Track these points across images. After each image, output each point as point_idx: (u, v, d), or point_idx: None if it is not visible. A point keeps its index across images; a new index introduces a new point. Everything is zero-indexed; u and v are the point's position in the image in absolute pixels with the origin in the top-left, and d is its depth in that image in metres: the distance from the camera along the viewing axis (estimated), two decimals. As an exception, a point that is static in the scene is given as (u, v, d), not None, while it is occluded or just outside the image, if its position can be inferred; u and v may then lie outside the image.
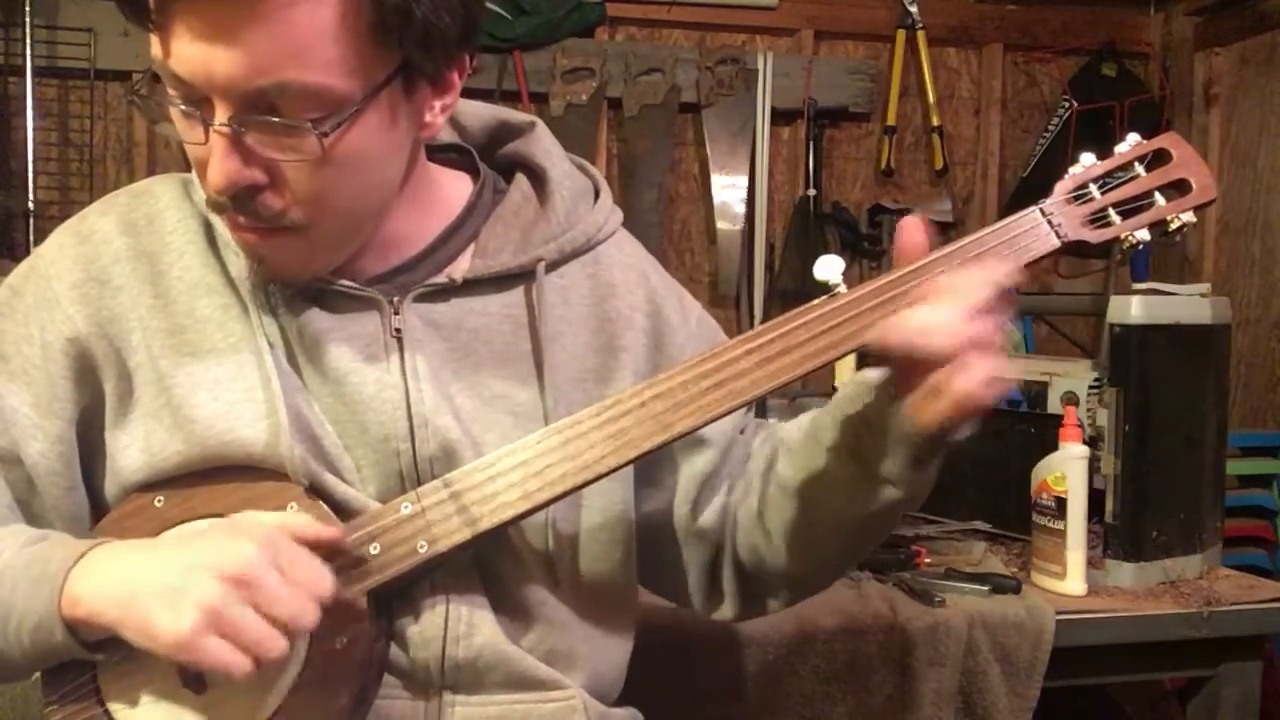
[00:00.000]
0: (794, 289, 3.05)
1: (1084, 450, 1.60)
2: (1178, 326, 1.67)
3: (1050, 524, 1.59)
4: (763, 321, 3.46)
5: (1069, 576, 1.57)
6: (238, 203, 0.80)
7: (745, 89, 3.09)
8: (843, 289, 0.85)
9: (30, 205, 2.66)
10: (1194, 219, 0.86)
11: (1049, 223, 0.85)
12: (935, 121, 3.24)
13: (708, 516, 1.01)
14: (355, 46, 0.77)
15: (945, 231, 3.26)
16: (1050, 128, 3.27)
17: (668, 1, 3.10)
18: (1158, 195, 0.86)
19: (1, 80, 2.73)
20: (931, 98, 3.23)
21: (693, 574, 1.04)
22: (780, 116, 3.16)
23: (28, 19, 2.63)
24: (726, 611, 1.05)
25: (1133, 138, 0.88)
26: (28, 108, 2.65)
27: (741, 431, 1.05)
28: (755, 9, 3.15)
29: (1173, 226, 0.86)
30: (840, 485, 0.91)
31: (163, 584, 0.76)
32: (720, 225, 3.12)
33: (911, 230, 0.84)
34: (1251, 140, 3.10)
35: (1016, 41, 3.33)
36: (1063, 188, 0.87)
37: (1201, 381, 1.72)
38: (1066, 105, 3.25)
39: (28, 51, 2.64)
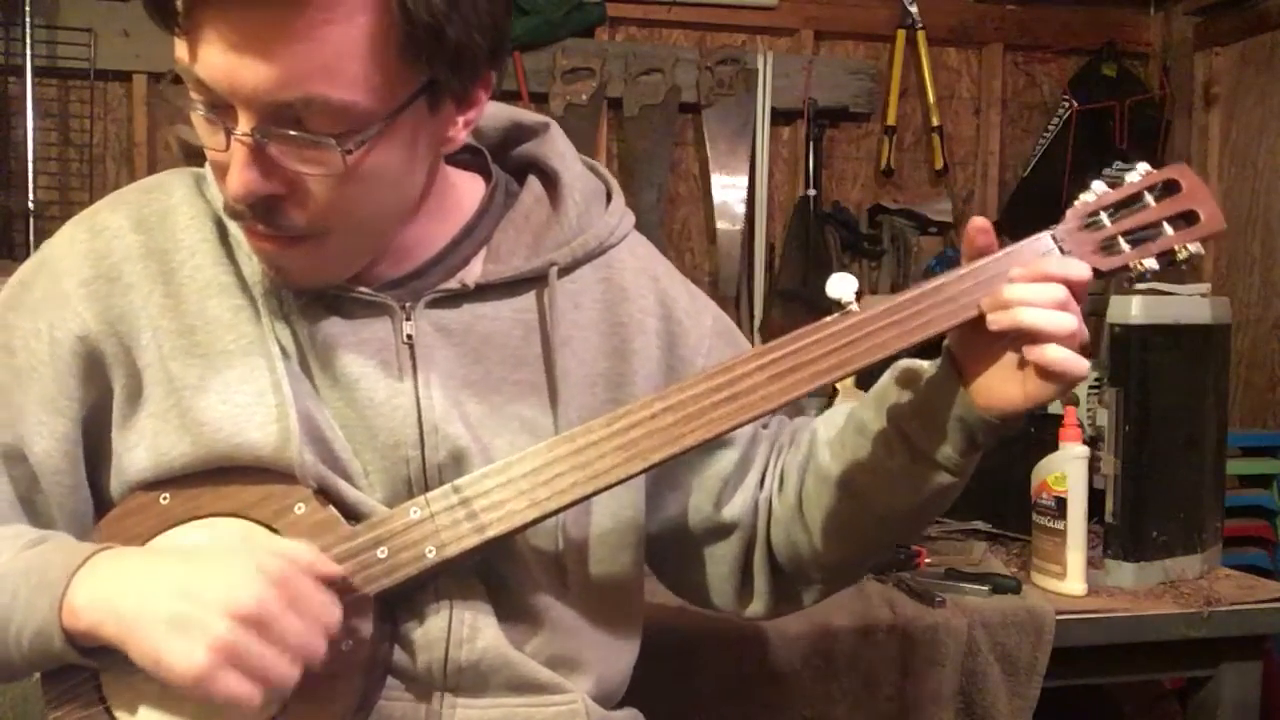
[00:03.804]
0: (794, 289, 3.05)
1: (1084, 450, 1.60)
2: (1178, 326, 1.67)
3: (1050, 524, 1.59)
4: (763, 321, 3.42)
5: (1069, 576, 1.57)
6: (256, 211, 0.80)
7: (745, 89, 3.09)
8: (855, 307, 0.85)
9: (30, 205, 2.66)
10: (1201, 250, 0.87)
11: (1060, 248, 0.86)
12: (935, 121, 3.24)
13: (732, 509, 1.01)
14: (383, 65, 0.76)
15: (945, 231, 3.26)
16: (1050, 128, 3.27)
17: (668, 1, 3.10)
18: (1166, 225, 0.87)
19: (1, 80, 2.73)
20: (931, 98, 3.23)
21: (721, 569, 1.03)
22: (780, 116, 3.16)
23: (28, 19, 2.63)
24: (758, 608, 1.04)
25: (1142, 167, 0.88)
26: (28, 108, 2.65)
27: (764, 426, 1.05)
28: (755, 9, 3.15)
29: (1180, 256, 0.87)
30: (890, 473, 0.92)
31: (170, 611, 0.76)
32: (720, 225, 3.12)
33: (981, 232, 0.86)
34: (1251, 140, 3.10)
35: (1016, 41, 3.33)
36: (1074, 214, 0.87)
37: (1201, 381, 1.72)
38: (1066, 105, 3.25)
39: (28, 51, 2.64)
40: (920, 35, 3.20)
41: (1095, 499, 1.63)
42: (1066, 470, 1.57)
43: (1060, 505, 1.57)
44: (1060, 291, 0.82)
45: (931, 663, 1.46)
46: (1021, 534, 1.74)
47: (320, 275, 0.86)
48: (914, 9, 3.18)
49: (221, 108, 0.77)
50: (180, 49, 0.77)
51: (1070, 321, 0.81)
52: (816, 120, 3.13)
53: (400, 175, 0.83)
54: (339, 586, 0.81)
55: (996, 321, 0.83)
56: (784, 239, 3.14)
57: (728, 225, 3.12)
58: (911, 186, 3.31)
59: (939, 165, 3.25)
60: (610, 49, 3.03)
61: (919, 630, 1.45)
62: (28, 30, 2.63)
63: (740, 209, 3.12)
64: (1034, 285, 0.82)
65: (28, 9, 2.63)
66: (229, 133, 0.77)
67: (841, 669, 1.44)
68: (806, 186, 3.13)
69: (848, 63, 3.20)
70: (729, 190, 3.12)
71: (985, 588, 1.55)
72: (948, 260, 3.19)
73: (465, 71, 0.81)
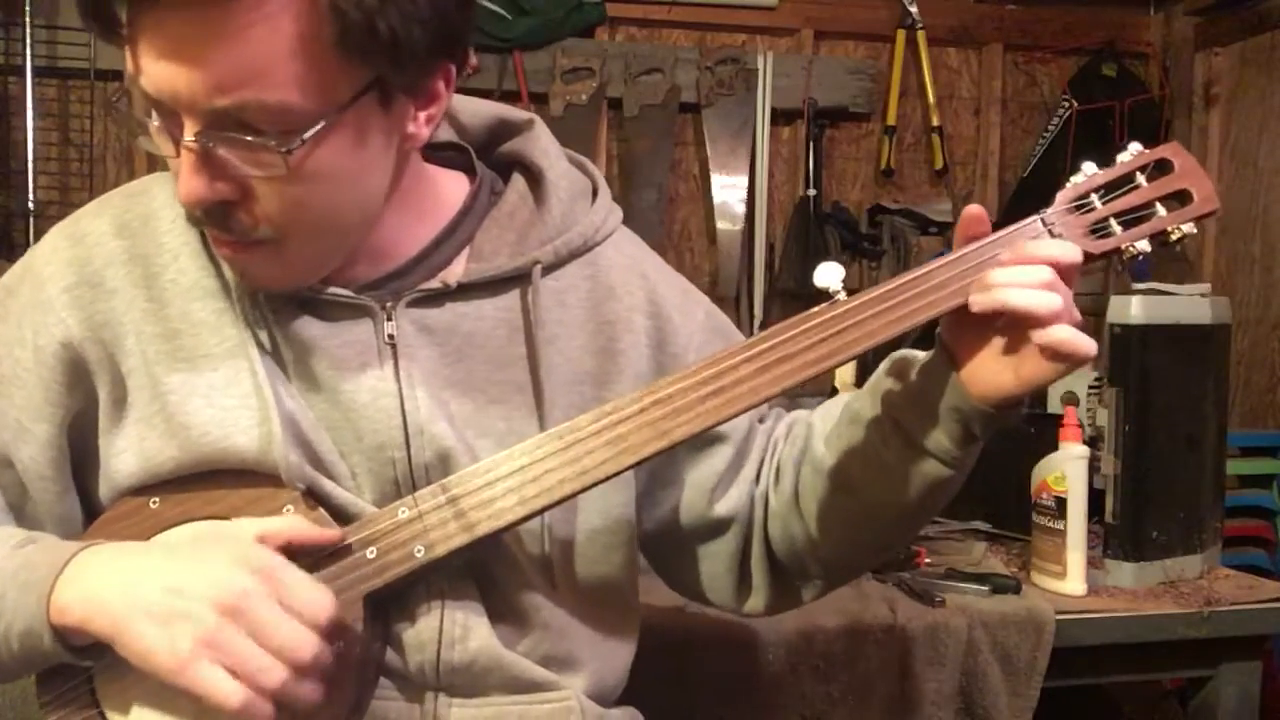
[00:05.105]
0: (794, 289, 3.05)
1: (1084, 450, 1.60)
2: (1178, 326, 1.67)
3: (1050, 524, 1.59)
4: (763, 321, 3.42)
5: (1069, 576, 1.57)
6: (210, 217, 0.80)
7: (745, 89, 3.08)
8: (843, 296, 0.85)
9: (30, 205, 2.66)
10: (1194, 230, 0.86)
11: (1050, 232, 0.85)
12: (935, 121, 3.24)
13: (726, 504, 1.00)
14: (318, 64, 0.75)
15: (945, 231, 3.26)
16: (1050, 128, 3.27)
17: (668, 1, 3.10)
18: (1158, 206, 0.85)
19: (1, 80, 2.73)
20: (931, 98, 3.22)
21: (718, 566, 1.03)
22: (780, 116, 3.16)
23: (28, 19, 2.63)
24: (758, 603, 1.03)
25: (1134, 147, 0.87)
26: (28, 108, 2.64)
27: (761, 421, 1.04)
28: (755, 9, 3.15)
29: (1173, 237, 0.85)
30: (885, 464, 0.91)
31: (156, 605, 0.76)
32: (720, 225, 3.12)
33: (976, 222, 0.85)
34: (1251, 140, 3.10)
35: (1016, 41, 3.33)
36: (1064, 197, 0.86)
37: (1201, 381, 1.72)
38: (1066, 105, 3.25)
39: (28, 51, 2.64)
40: (920, 35, 3.19)
41: (1095, 499, 1.63)
42: (1066, 470, 1.57)
43: (1060, 505, 1.57)
44: (1046, 273, 0.81)
45: (931, 663, 1.46)
46: (1021, 534, 1.74)
47: (284, 279, 0.86)
48: (914, 9, 3.18)
49: (169, 115, 0.77)
50: (128, 61, 0.77)
51: (1054, 300, 0.79)
52: (816, 120, 3.13)
53: (354, 175, 0.82)
54: (334, 567, 0.82)
55: (978, 303, 0.82)
56: (784, 239, 3.14)
57: (728, 225, 3.12)
58: (911, 186, 3.30)
59: (939, 165, 3.25)
60: (610, 49, 3.03)
61: (919, 630, 1.45)
62: (28, 30, 2.63)
63: (740, 209, 3.12)
64: (1018, 268, 0.81)
65: (28, 9, 2.62)
66: (176, 140, 0.77)
67: (841, 669, 1.44)
68: (806, 186, 3.13)
69: (848, 63, 3.20)
70: (729, 190, 3.12)
71: (985, 588, 1.55)
72: (947, 260, 3.18)
73: (410, 66, 0.79)
